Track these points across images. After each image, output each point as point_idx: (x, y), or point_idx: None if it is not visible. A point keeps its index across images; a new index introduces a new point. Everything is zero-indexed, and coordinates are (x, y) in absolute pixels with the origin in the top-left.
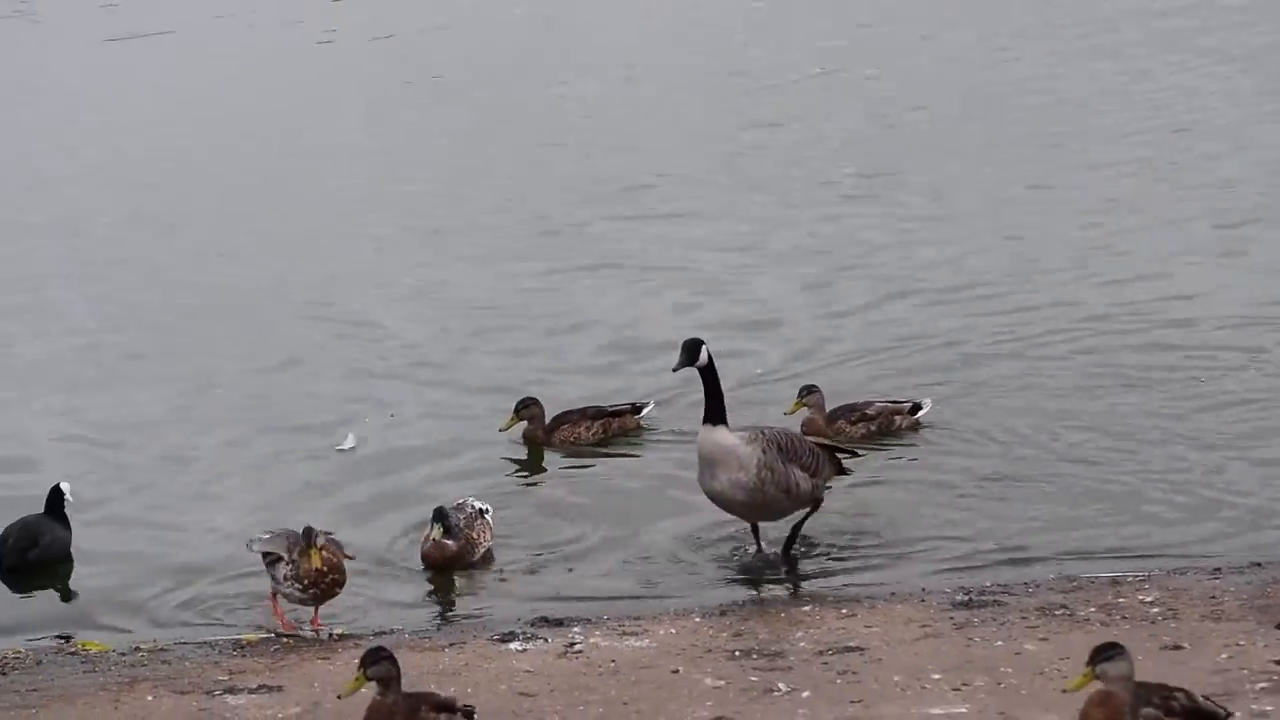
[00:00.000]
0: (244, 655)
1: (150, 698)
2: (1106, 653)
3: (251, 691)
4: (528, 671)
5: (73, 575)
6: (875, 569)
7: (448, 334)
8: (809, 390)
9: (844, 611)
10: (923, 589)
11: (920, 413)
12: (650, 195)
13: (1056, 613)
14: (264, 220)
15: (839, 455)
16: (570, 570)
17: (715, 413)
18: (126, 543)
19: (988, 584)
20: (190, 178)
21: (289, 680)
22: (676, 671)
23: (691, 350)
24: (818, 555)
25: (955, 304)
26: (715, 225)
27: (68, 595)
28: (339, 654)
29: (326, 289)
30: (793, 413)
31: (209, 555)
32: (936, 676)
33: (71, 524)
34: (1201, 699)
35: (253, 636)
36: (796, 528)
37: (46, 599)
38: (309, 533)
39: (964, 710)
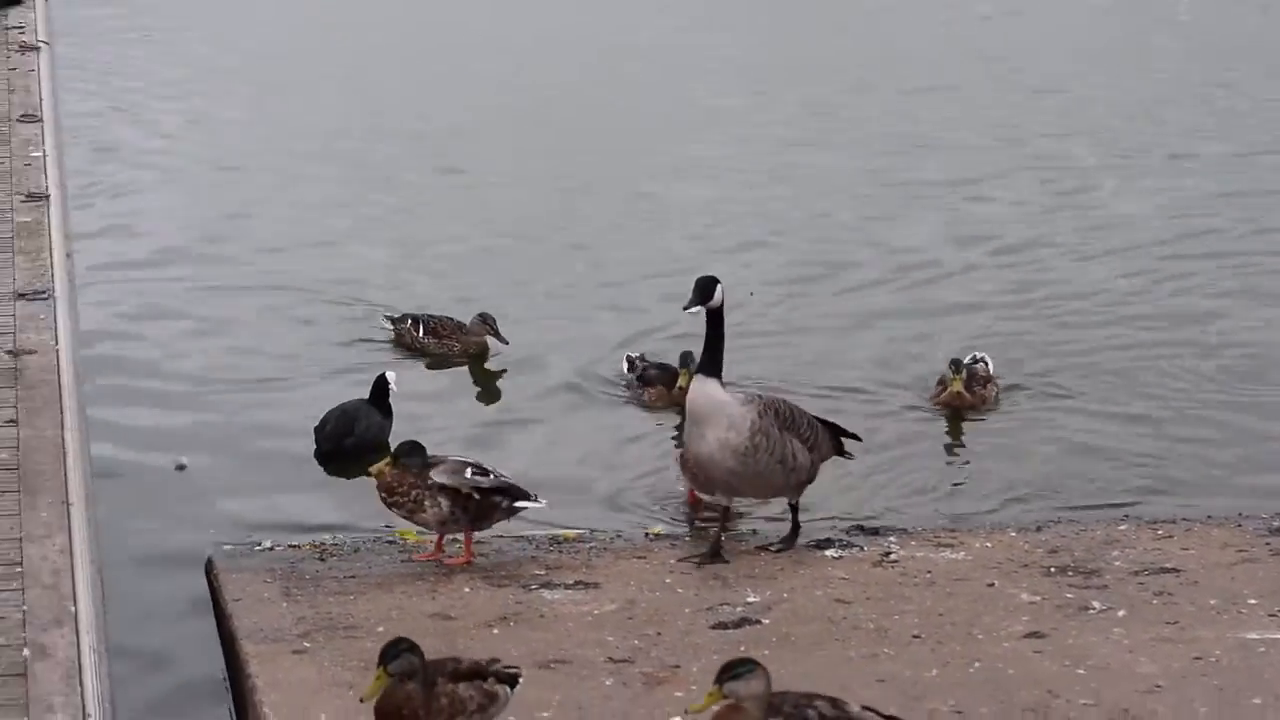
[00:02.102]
0: (560, 551)
1: (467, 589)
2: (735, 670)
3: (568, 587)
4: (843, 579)
5: None
6: (1188, 493)
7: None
8: (960, 365)
9: (1159, 533)
10: (1239, 514)
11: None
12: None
13: None
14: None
15: (841, 437)
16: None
17: (710, 364)
18: (448, 430)
19: None
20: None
21: (605, 578)
22: (992, 585)
23: (705, 288)
24: (1128, 477)
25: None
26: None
27: None
28: (654, 553)
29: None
30: (958, 391)
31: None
32: (1252, 601)
33: (394, 412)
34: (855, 708)
35: (570, 533)
36: (795, 511)
37: (365, 486)
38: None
39: (1279, 636)
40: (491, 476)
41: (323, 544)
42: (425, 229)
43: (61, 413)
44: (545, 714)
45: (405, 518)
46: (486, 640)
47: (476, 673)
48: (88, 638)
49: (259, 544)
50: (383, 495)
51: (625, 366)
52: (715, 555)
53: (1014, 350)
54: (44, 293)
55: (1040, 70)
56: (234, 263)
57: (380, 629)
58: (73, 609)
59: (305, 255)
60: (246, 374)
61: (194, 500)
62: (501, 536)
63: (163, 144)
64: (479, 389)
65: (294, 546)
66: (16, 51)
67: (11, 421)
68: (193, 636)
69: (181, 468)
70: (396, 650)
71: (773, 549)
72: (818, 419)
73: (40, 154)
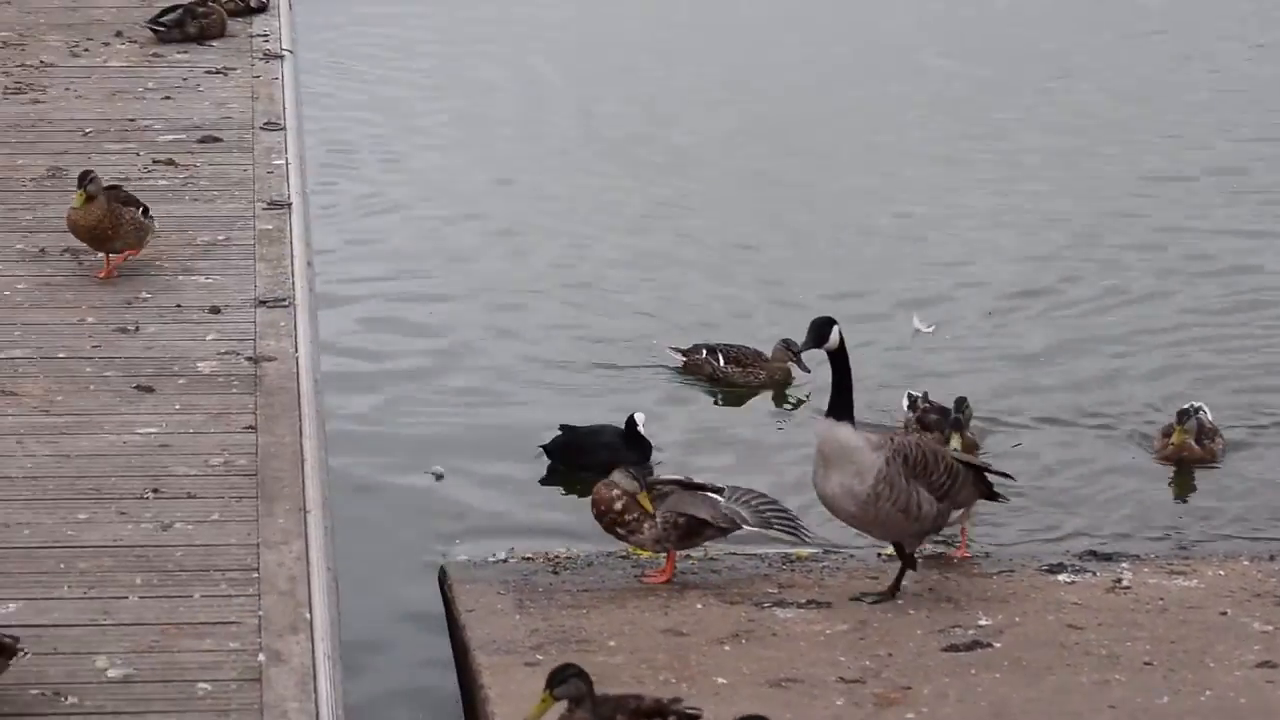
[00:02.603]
0: (793, 570)
1: (699, 605)
2: None
3: (800, 606)
4: (1075, 604)
5: None
6: None
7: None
8: (1188, 415)
9: None
10: None
11: None
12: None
13: None
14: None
15: (990, 477)
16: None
17: (841, 406)
18: (712, 453)
19: None
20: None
21: (837, 597)
22: (1224, 613)
23: (820, 331)
24: None
25: None
26: None
27: None
28: (886, 574)
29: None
30: (1184, 444)
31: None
32: None
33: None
34: None
35: (803, 552)
36: (906, 560)
37: None
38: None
39: None
40: (723, 501)
41: (556, 557)
42: (681, 256)
43: (300, 420)
44: None
45: (622, 538)
46: (718, 657)
47: (658, 711)
48: (322, 645)
49: (493, 556)
50: (602, 515)
51: (905, 403)
52: (893, 594)
53: (1242, 379)
54: (284, 300)
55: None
56: (486, 276)
57: (612, 643)
58: (308, 615)
59: (567, 273)
60: (491, 389)
61: (428, 510)
62: (735, 554)
63: (408, 153)
64: (757, 415)
65: (527, 559)
66: (260, 59)
67: (250, 428)
68: (426, 646)
69: (440, 477)
70: (564, 675)
71: (867, 601)
72: (962, 461)
73: (282, 162)
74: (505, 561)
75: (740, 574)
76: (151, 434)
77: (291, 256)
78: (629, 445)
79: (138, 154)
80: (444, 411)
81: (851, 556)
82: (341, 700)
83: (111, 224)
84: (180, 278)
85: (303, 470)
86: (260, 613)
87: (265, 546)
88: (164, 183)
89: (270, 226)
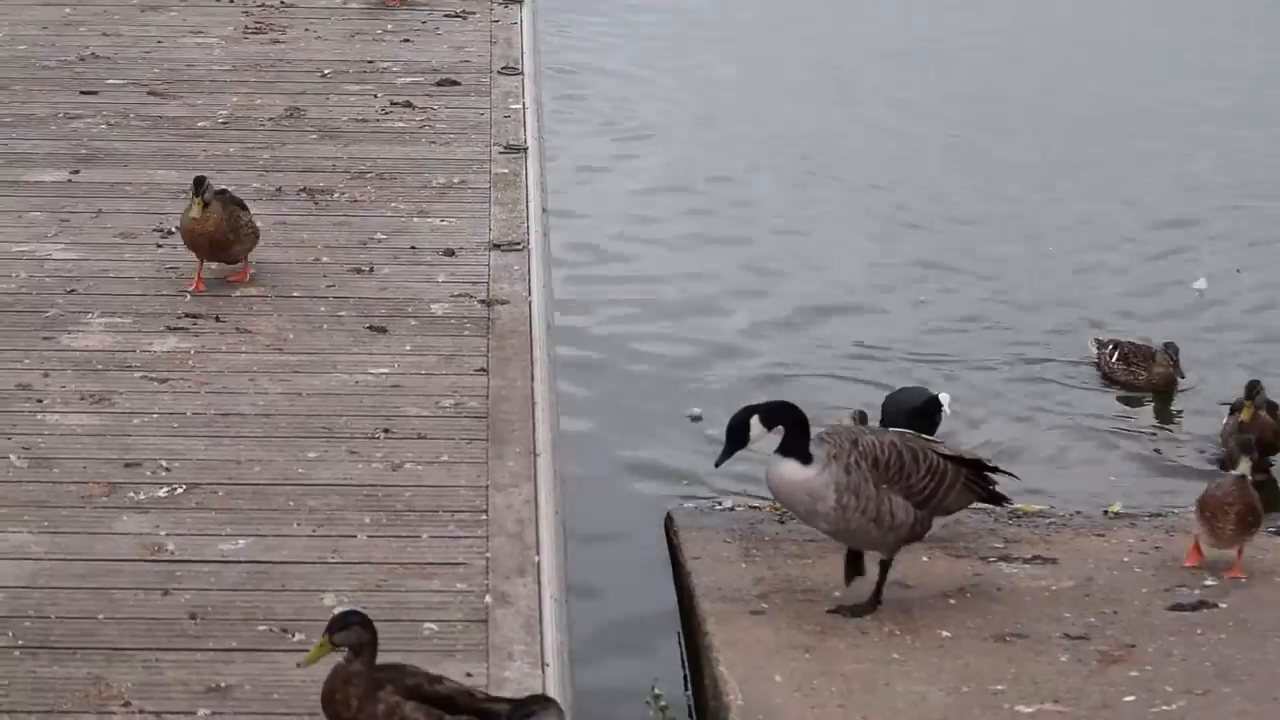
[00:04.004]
0: (1019, 525)
1: (925, 559)
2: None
3: (1025, 561)
4: None
5: None
6: None
7: None
8: None
9: None
10: None
11: None
12: None
13: None
14: None
15: (990, 475)
16: None
17: (790, 446)
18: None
19: None
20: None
21: (1063, 554)
22: None
23: (736, 433)
24: None
25: None
26: None
27: None
28: (1113, 532)
29: None
30: None
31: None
32: None
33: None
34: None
35: (1030, 507)
36: (884, 572)
37: None
38: None
39: None
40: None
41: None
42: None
43: (531, 364)
44: (1000, 686)
45: None
46: (942, 610)
47: (446, 701)
48: (549, 588)
49: (720, 503)
50: None
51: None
52: (874, 604)
53: None
54: (519, 244)
55: None
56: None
57: (837, 594)
58: (536, 559)
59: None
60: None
61: (656, 457)
62: None
63: (649, 105)
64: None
65: (754, 508)
66: (500, 4)
67: (482, 370)
68: (650, 593)
69: (697, 419)
70: (347, 621)
71: (843, 614)
72: (962, 460)
73: (520, 107)
74: (732, 509)
75: (966, 528)
76: (383, 374)
77: (527, 201)
78: (914, 419)
79: (375, 95)
80: (680, 365)
81: (1078, 513)
82: (567, 644)
83: (232, 228)
84: (415, 220)
85: (533, 414)
86: (488, 555)
87: (494, 489)
88: (400, 125)
89: (506, 171)
